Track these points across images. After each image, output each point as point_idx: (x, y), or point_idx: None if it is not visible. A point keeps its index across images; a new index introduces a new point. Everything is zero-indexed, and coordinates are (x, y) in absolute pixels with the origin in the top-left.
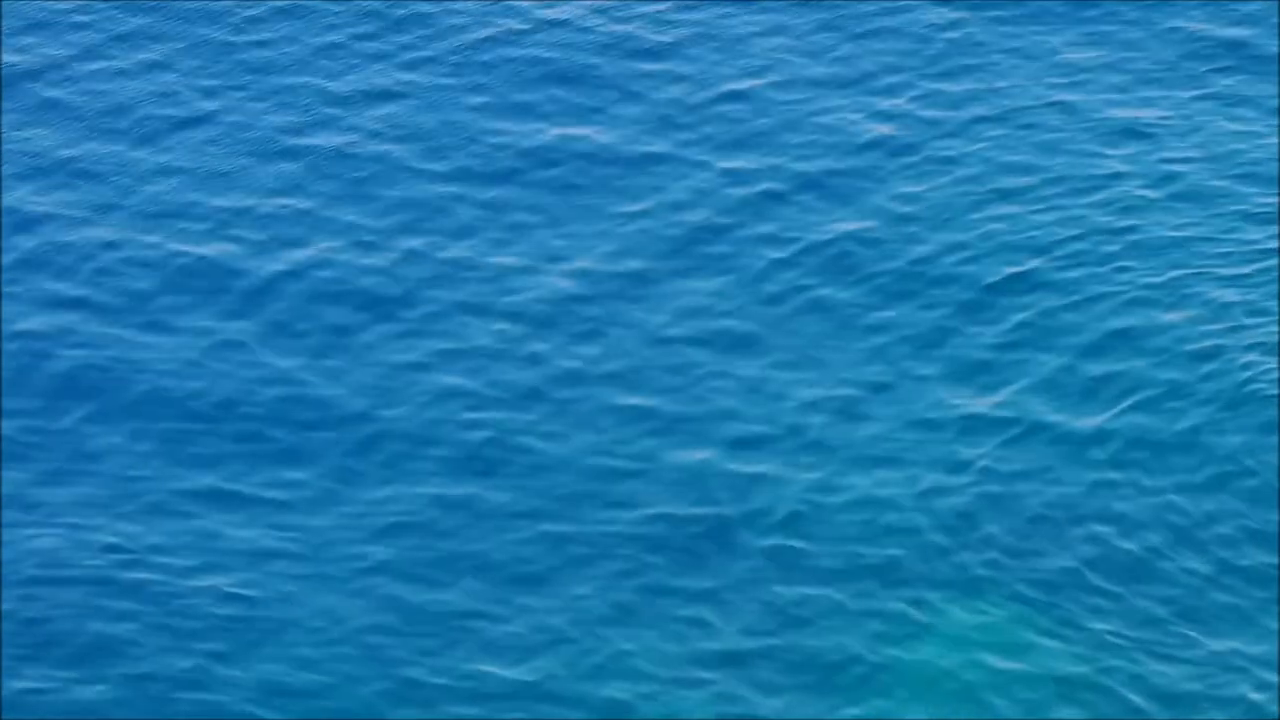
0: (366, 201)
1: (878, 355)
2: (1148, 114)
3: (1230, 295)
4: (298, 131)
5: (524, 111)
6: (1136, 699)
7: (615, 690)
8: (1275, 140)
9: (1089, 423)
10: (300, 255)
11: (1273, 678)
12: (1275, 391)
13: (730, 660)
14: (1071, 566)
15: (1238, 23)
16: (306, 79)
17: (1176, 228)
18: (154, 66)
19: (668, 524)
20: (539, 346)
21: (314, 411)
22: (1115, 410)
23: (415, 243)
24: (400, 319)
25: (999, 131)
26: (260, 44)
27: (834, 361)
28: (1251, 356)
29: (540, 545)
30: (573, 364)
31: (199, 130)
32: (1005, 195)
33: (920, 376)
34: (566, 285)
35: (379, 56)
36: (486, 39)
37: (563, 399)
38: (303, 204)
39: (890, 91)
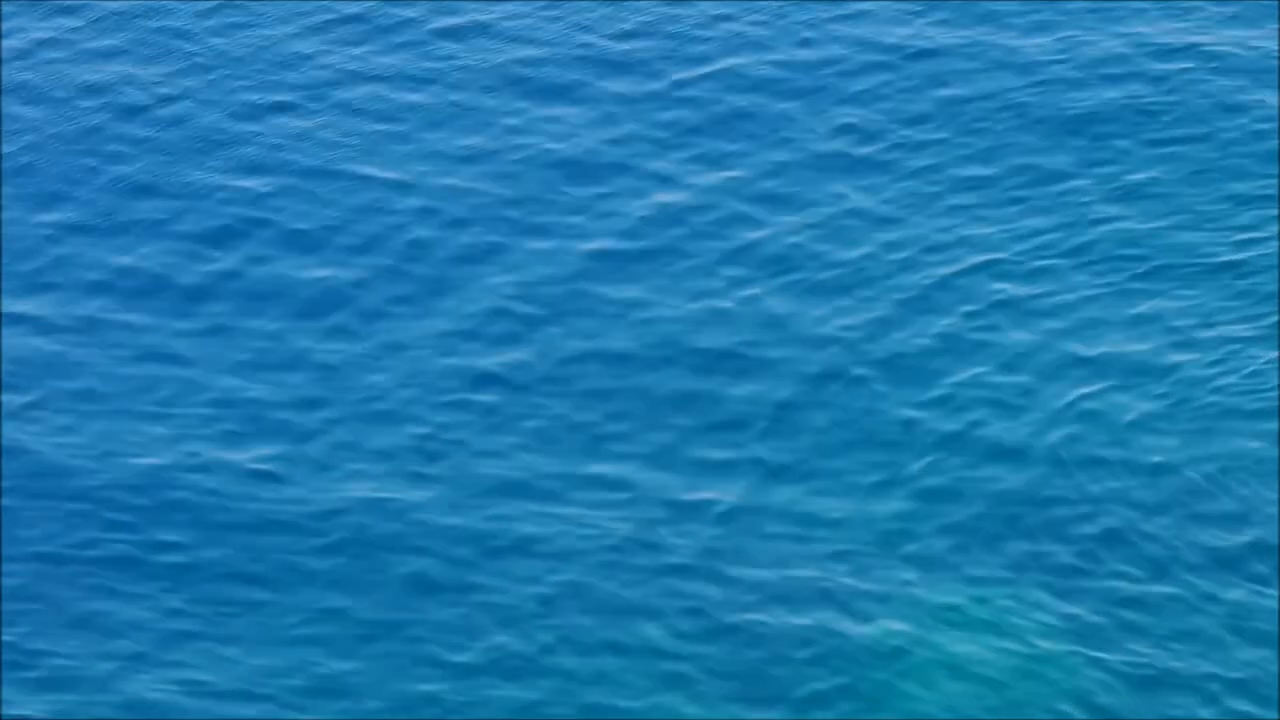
0: (311, 202)
1: (821, 354)
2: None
3: (1182, 297)
4: (236, 130)
5: (474, 111)
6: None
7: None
8: (1232, 138)
9: (1030, 421)
10: (236, 257)
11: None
12: (1220, 390)
13: (676, 675)
14: (1021, 562)
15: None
16: (251, 76)
17: (1128, 230)
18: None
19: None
20: (482, 348)
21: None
22: (1059, 406)
23: (355, 242)
24: (339, 319)
25: (951, 130)
26: (214, 33)
27: (777, 361)
28: (1198, 355)
29: (468, 548)
30: (506, 369)
31: (139, 123)
32: (958, 194)
33: (864, 376)
34: (508, 288)
35: (328, 54)
36: (440, 33)
37: (495, 403)
38: (244, 203)
39: (845, 93)
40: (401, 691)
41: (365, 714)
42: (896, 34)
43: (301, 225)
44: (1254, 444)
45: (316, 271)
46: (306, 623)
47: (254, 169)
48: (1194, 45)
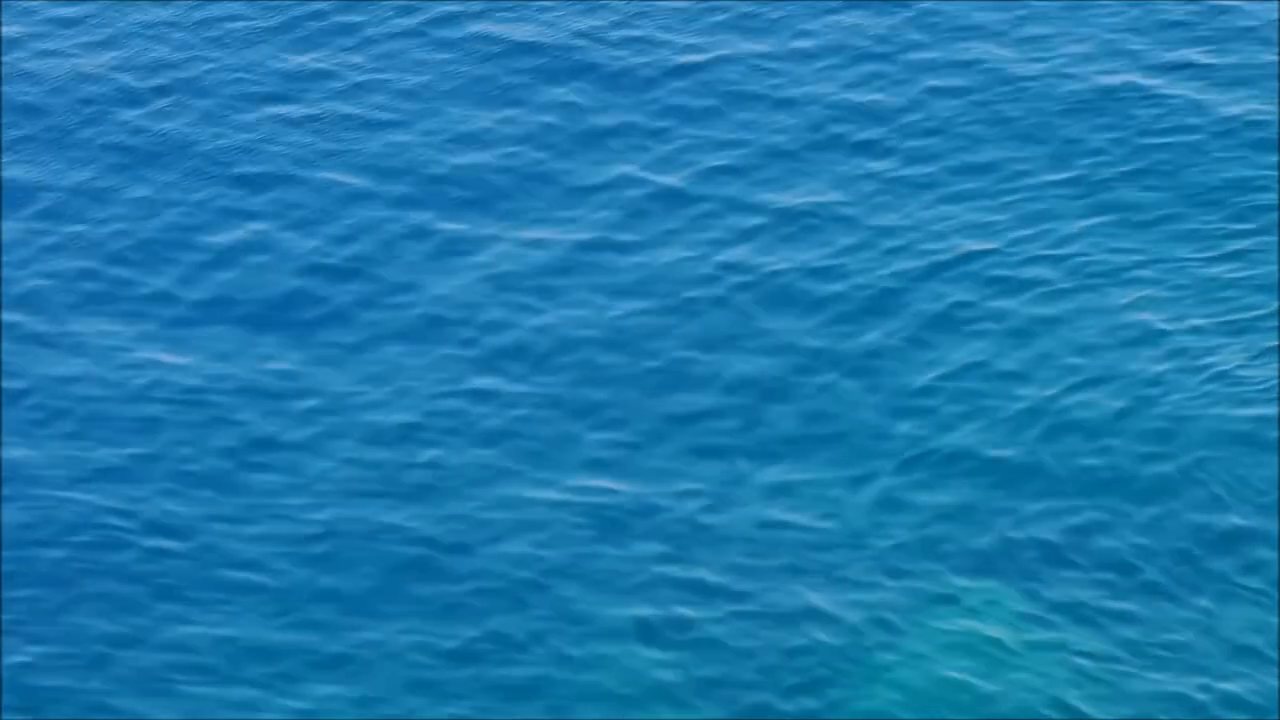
0: (291, 199)
1: (794, 354)
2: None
3: (1157, 297)
4: (212, 124)
5: (461, 98)
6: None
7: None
8: (1212, 138)
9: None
10: (204, 256)
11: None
12: (1194, 389)
13: (649, 677)
14: (995, 563)
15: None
16: (228, 72)
17: (1103, 230)
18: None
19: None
20: (463, 346)
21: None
22: (1033, 405)
23: (322, 240)
24: (308, 314)
25: (931, 129)
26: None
27: (751, 361)
28: (1172, 353)
29: (429, 549)
30: (484, 369)
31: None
32: (934, 194)
33: (838, 377)
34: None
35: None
36: (415, 28)
37: (470, 391)
38: (218, 195)
39: (826, 90)
40: (379, 688)
41: (342, 707)
42: (875, 31)
43: (283, 223)
44: (1228, 443)
45: (300, 265)
46: (286, 612)
47: (221, 165)
48: (1178, 51)
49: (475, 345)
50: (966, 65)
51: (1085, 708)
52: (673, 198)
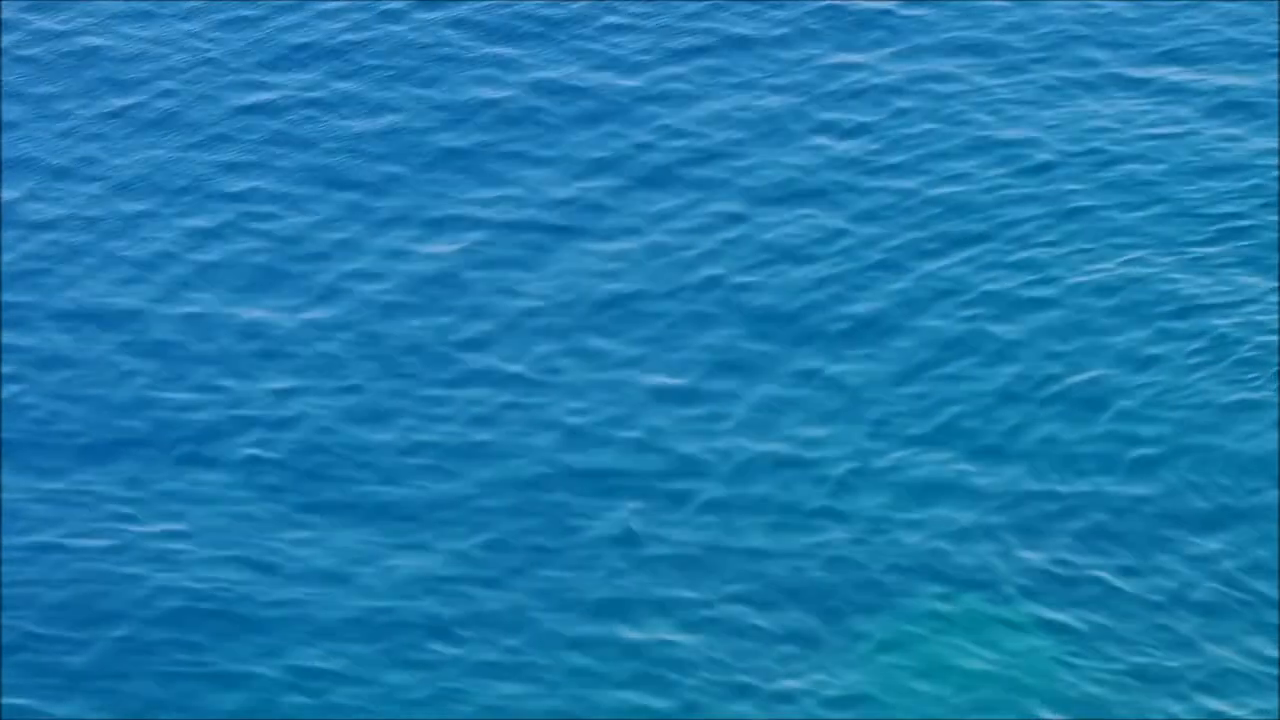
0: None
1: (799, 351)
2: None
3: (1159, 290)
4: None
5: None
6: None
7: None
8: (1206, 131)
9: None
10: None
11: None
12: (1197, 386)
13: (649, 672)
14: (995, 562)
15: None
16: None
17: (1106, 220)
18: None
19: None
20: (448, 347)
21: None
22: (1034, 403)
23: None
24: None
25: (922, 100)
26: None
27: (755, 355)
28: (1176, 349)
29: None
30: (467, 369)
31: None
32: (936, 189)
33: (840, 372)
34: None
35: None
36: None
37: (463, 398)
38: (182, 176)
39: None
40: (376, 683)
41: (340, 706)
42: (871, 33)
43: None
44: (1229, 441)
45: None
46: (276, 606)
47: (233, 160)
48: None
49: (459, 351)
50: (955, 51)
51: (1086, 708)
52: (658, 177)
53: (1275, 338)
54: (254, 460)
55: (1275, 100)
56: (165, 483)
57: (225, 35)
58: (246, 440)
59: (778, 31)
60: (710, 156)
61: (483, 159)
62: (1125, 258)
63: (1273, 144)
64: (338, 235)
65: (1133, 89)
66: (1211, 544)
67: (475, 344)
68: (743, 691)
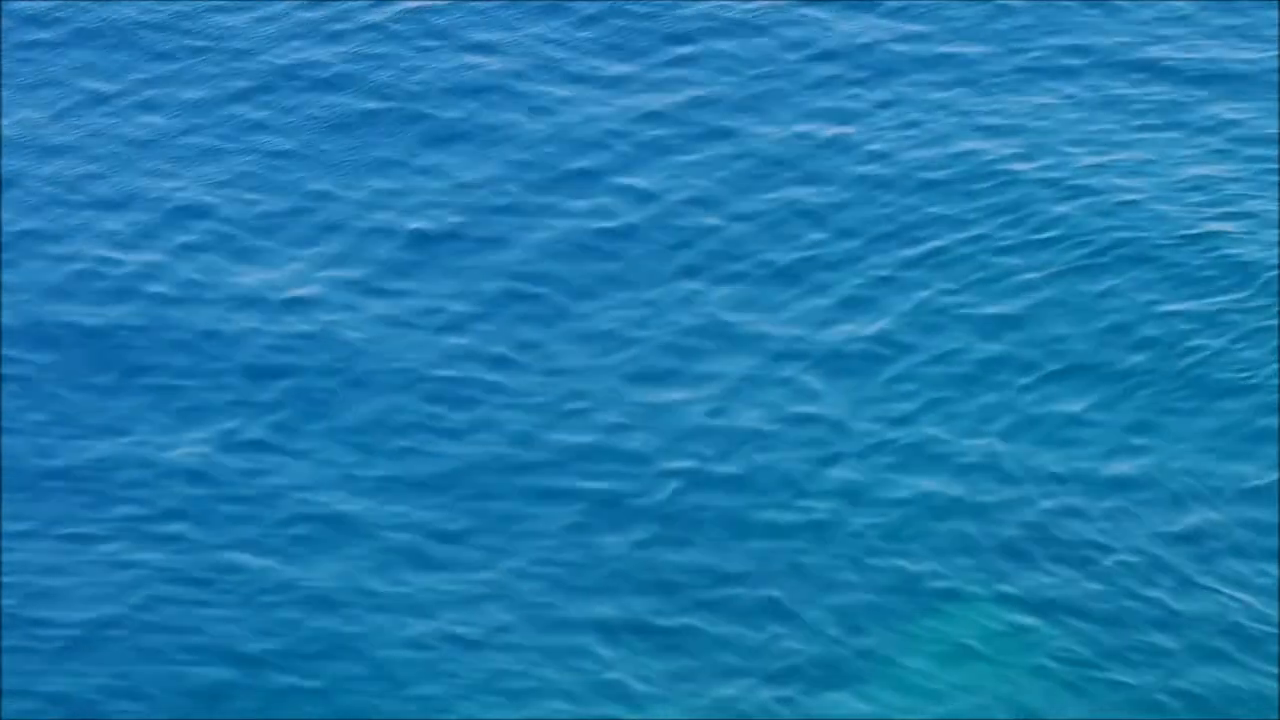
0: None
1: (759, 354)
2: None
3: (1122, 292)
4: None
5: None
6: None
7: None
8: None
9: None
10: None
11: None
12: (1158, 386)
13: (612, 683)
14: (963, 566)
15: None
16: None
17: (1071, 223)
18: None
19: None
20: (432, 347)
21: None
22: (995, 405)
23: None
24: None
25: (906, 110)
26: None
27: (717, 360)
28: (1137, 351)
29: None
30: (448, 372)
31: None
32: (898, 190)
33: (800, 376)
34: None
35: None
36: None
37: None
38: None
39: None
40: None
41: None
42: (844, 29)
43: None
44: (1191, 441)
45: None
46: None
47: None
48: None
49: (442, 354)
50: (937, 60)
51: (1049, 712)
52: (643, 192)
53: (1261, 321)
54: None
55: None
56: None
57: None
58: (225, 397)
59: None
60: (687, 140)
61: (461, 133)
62: (1111, 239)
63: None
64: (313, 214)
65: (1119, 80)
66: (1207, 539)
67: (453, 325)
68: (736, 690)
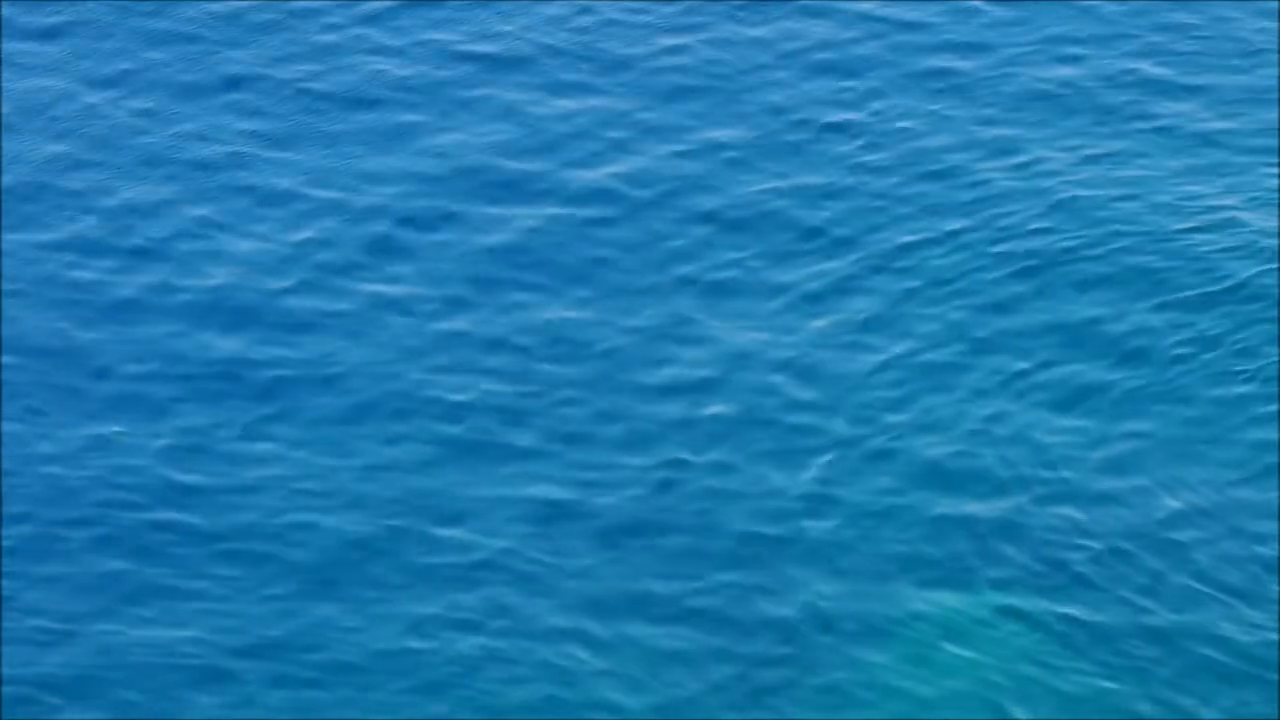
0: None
1: (729, 342)
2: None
3: (1108, 301)
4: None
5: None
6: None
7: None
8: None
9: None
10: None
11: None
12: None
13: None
14: (951, 576)
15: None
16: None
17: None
18: None
19: None
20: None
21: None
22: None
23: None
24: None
25: (886, 110)
26: None
27: (700, 366)
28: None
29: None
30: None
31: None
32: (876, 182)
33: (774, 380)
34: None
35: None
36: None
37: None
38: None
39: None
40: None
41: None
42: (820, 27)
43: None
44: (1171, 440)
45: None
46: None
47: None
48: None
49: (424, 345)
50: (918, 61)
51: (1027, 707)
52: (616, 191)
53: (1258, 332)
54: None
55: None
56: None
57: None
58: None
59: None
60: (663, 136)
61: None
62: (1109, 248)
63: (1250, 143)
64: (290, 192)
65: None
66: (1184, 538)
67: (444, 310)
68: (716, 688)
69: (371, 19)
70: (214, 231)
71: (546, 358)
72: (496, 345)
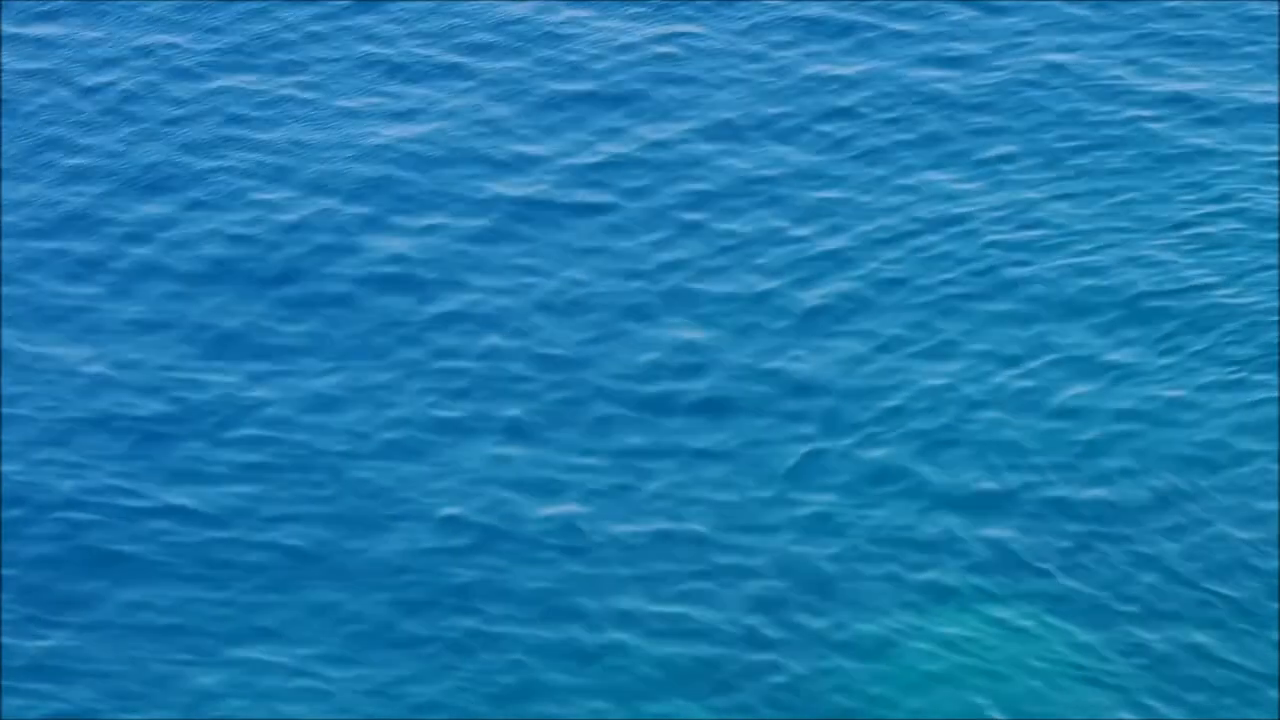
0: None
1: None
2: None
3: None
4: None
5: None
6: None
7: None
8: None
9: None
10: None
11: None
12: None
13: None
14: (937, 579)
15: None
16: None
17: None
18: None
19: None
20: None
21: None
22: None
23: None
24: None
25: (879, 101)
26: None
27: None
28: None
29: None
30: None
31: None
32: (871, 178)
33: (765, 393)
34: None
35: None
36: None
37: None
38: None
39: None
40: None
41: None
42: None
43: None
44: (1177, 434)
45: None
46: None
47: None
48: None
49: (390, 329)
50: (916, 51)
51: (1035, 703)
52: (598, 185)
53: (1223, 331)
54: (217, 440)
55: (1234, 96)
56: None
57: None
58: (209, 423)
59: (736, 32)
60: (663, 151)
61: (441, 161)
62: (1076, 250)
63: (1229, 139)
64: (301, 226)
65: (1094, 83)
66: (1172, 538)
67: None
68: (696, 692)
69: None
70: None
71: (535, 334)
72: (464, 338)
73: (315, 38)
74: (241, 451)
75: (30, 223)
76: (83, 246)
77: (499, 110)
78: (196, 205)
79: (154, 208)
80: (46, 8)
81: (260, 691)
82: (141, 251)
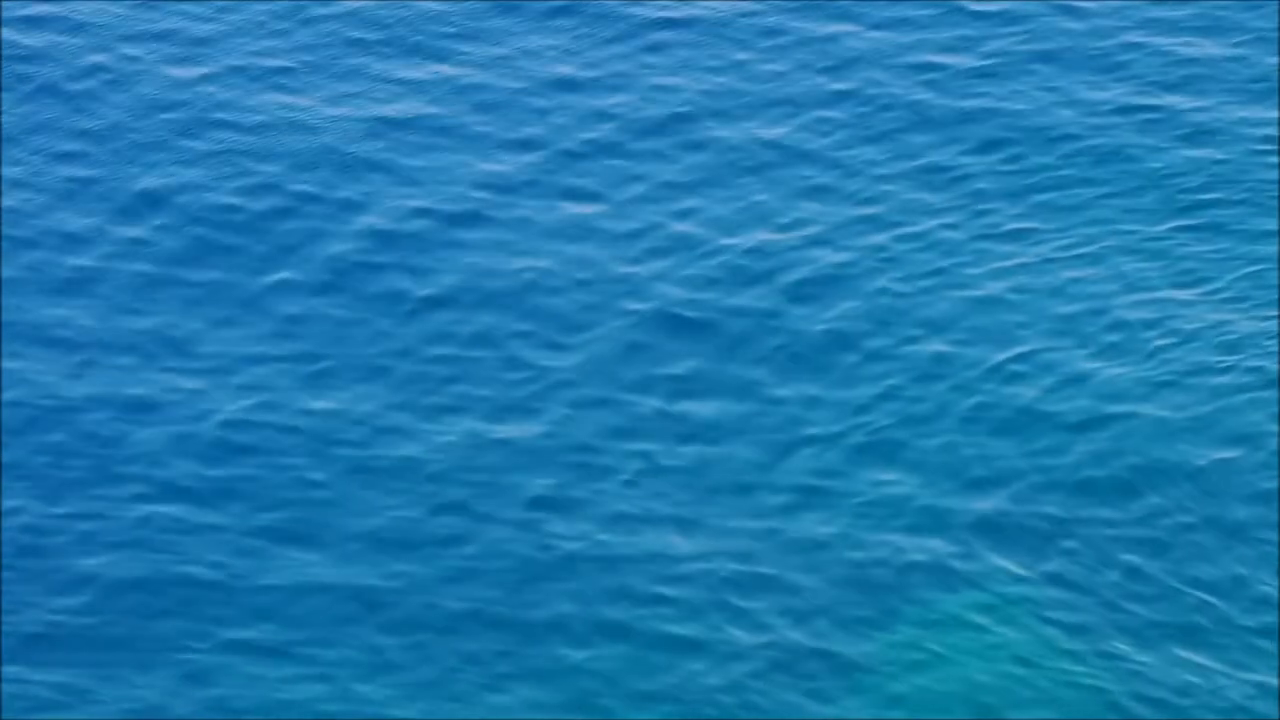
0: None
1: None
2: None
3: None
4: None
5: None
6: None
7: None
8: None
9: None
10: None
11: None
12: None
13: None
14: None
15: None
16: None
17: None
18: None
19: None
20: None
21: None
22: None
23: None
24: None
25: (860, 109)
26: None
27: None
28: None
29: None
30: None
31: None
32: (862, 177)
33: (759, 375)
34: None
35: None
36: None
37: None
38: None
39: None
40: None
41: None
42: (809, 27)
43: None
44: (1152, 431)
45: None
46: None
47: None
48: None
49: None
50: (893, 61)
51: (1011, 706)
52: (595, 189)
53: (1199, 325)
54: (203, 418)
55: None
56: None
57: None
58: (194, 403)
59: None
60: (647, 137)
61: (413, 144)
62: (1062, 242)
63: (1212, 153)
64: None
65: (1091, 74)
66: (1167, 535)
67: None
68: (698, 687)
69: None
70: None
71: (517, 349)
72: (471, 342)
73: (303, 20)
74: (229, 431)
75: (25, 195)
76: (76, 220)
77: (485, 94)
78: (184, 186)
79: (141, 184)
80: None
81: (251, 676)
82: (123, 230)
